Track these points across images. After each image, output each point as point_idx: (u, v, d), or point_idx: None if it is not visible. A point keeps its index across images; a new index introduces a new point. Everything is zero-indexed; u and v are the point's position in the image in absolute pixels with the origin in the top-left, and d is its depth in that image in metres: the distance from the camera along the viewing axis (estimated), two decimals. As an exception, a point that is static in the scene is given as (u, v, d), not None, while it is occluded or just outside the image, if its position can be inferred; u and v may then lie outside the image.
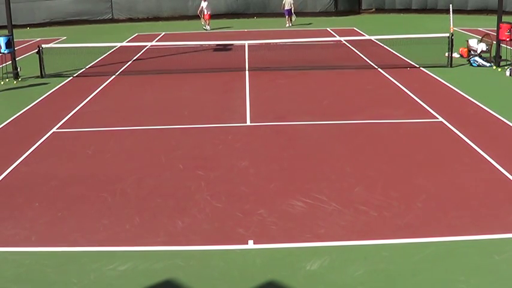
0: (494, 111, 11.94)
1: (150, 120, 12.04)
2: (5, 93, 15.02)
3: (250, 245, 6.75)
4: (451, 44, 16.79)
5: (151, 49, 21.11)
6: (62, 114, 12.50)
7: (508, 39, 16.13)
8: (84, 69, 17.76)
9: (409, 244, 6.70)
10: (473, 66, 16.94)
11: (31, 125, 11.83)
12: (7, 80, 16.24)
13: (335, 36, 23.54)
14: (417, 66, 16.99)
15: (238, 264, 6.37)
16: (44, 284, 6.06)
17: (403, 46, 18.84)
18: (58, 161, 9.72)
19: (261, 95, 13.92)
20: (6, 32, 16.54)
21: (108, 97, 14.28)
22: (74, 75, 16.98)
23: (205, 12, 27.78)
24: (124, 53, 20.07)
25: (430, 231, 6.96)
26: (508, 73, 15.56)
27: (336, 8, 32.73)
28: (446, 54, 17.01)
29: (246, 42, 19.94)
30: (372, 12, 33.33)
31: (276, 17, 31.21)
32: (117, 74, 16.99)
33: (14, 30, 16.78)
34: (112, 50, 20.86)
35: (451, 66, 16.76)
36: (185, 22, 30.90)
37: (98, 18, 31.53)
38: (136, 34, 26.35)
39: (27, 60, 18.82)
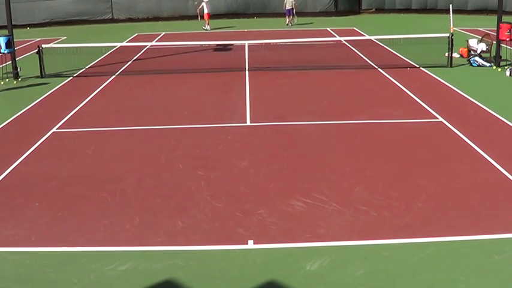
0: (494, 111, 11.94)
1: (150, 120, 12.04)
2: (5, 93, 15.02)
3: (250, 245, 6.75)
4: (451, 44, 16.80)
5: (151, 49, 21.11)
6: (62, 114, 12.50)
7: (508, 39, 16.13)
8: (84, 69, 17.76)
9: (409, 244, 6.70)
10: (473, 66, 16.94)
11: (31, 125, 11.83)
12: (7, 80, 16.24)
13: (335, 36, 23.54)
14: (417, 66, 16.99)
15: (238, 264, 6.37)
16: (44, 284, 6.06)
17: (403, 46, 18.84)
18: (58, 161, 9.72)
19: (261, 95, 13.92)
20: (6, 32, 16.54)
21: (108, 97, 14.28)
22: (74, 75, 16.98)
23: (205, 11, 27.73)
24: (124, 53, 20.08)
25: (430, 231, 6.96)
26: (508, 73, 15.56)
27: (336, 8, 32.73)
28: (446, 54, 17.01)
29: (246, 42, 19.94)
30: (372, 12, 33.33)
31: (276, 17, 31.22)
32: (117, 74, 16.99)
33: (14, 30, 16.78)
34: (112, 50, 20.86)
35: (451, 66, 16.76)
36: (185, 22, 30.90)
37: (98, 18, 31.53)
38: (136, 34, 26.35)
39: (27, 60, 18.82)
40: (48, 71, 16.82)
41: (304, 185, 8.43)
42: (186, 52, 19.45)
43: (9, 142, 10.78)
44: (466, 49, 18.06)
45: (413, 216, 7.37)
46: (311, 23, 29.38)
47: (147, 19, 31.85)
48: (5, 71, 16.42)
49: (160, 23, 31.20)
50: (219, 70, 17.00)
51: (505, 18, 17.11)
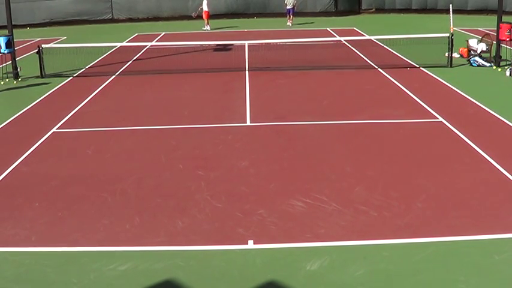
0: (494, 111, 11.94)
1: (150, 120, 12.04)
2: (5, 93, 15.02)
3: (250, 245, 6.75)
4: (451, 44, 16.80)
5: (151, 49, 21.11)
6: (62, 114, 12.50)
7: (508, 39, 16.13)
8: (84, 69, 17.76)
9: (409, 244, 6.70)
10: (473, 66, 16.94)
11: (31, 125, 11.83)
12: (7, 80, 16.24)
13: (335, 36, 23.54)
14: (417, 66, 16.99)
15: (238, 264, 6.37)
16: (44, 284, 6.06)
17: (403, 46, 18.84)
18: (58, 161, 9.72)
19: (261, 95, 13.92)
20: (6, 32, 16.55)
21: (108, 97, 14.28)
22: (74, 75, 16.98)
23: (204, 9, 27.63)
24: (124, 53, 20.08)
25: (430, 231, 6.96)
26: (508, 73, 15.56)
27: (336, 8, 32.73)
28: (446, 54, 17.01)
29: (246, 42, 19.94)
30: (372, 12, 33.33)
31: (276, 17, 31.23)
32: (117, 74, 16.99)
33: (14, 30, 16.79)
34: (112, 50, 20.86)
35: (451, 66, 16.76)
36: (185, 22, 30.90)
37: (98, 18, 31.53)
38: (136, 34, 26.35)
39: (27, 60, 18.82)
40: (48, 71, 16.82)
41: (304, 185, 8.43)
42: (186, 52, 19.45)
43: (9, 142, 10.78)
44: (466, 49, 18.06)
45: (413, 216, 7.37)
46: (311, 23, 29.38)
47: (147, 19, 31.85)
48: (5, 71, 16.42)
49: (160, 23, 31.20)
50: (219, 70, 17.00)
51: (505, 18, 17.11)
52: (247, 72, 16.67)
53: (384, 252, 6.52)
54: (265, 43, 19.92)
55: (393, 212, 7.51)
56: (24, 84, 15.90)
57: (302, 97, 13.67)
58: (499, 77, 15.59)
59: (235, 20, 31.38)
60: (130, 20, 31.78)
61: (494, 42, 16.92)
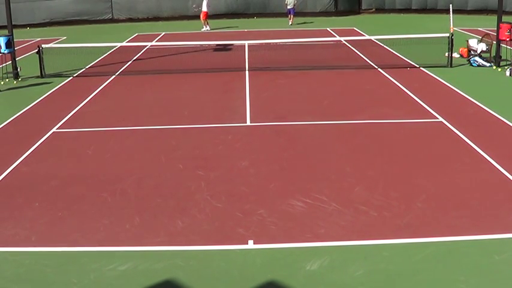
0: (494, 111, 11.94)
1: (150, 120, 12.04)
2: (5, 93, 15.02)
3: (250, 245, 6.75)
4: (451, 44, 16.80)
5: (151, 49, 21.11)
6: (62, 114, 12.50)
7: (508, 39, 16.13)
8: (84, 69, 17.76)
9: (409, 244, 6.70)
10: (473, 66, 16.94)
11: (31, 125, 11.83)
12: (7, 80, 16.24)
13: (335, 36, 23.54)
14: (417, 66, 16.99)
15: (238, 264, 6.37)
16: (44, 284, 6.06)
17: (403, 46, 18.84)
18: (58, 161, 9.72)
19: (261, 95, 13.92)
20: (6, 32, 16.55)
21: (108, 97, 14.28)
22: (74, 75, 16.98)
23: (203, 9, 27.57)
24: (124, 53, 20.08)
25: (430, 231, 6.96)
26: (508, 73, 15.56)
27: (336, 8, 32.74)
28: (446, 54, 17.01)
29: (246, 42, 19.94)
30: (372, 12, 33.34)
31: (276, 17, 31.24)
32: (117, 74, 16.99)
33: (14, 30, 16.79)
34: (112, 50, 20.86)
35: (451, 66, 16.76)
36: (185, 22, 30.90)
37: (98, 18, 31.54)
38: (136, 34, 26.35)
39: (27, 60, 18.82)
40: (48, 71, 16.82)
41: (304, 185, 8.43)
42: (186, 52, 19.45)
43: (9, 142, 10.78)
44: (466, 49, 18.06)
45: (413, 216, 7.37)
46: (311, 23, 29.39)
47: (147, 19, 31.85)
48: (5, 71, 16.42)
49: (160, 23, 31.20)
50: (219, 70, 17.00)
51: (505, 18, 17.12)
52: (247, 72, 16.67)
53: (384, 252, 6.52)
54: (265, 43, 19.92)
55: (393, 212, 7.51)
56: (24, 84, 15.90)
57: (302, 97, 13.67)
58: (499, 77, 15.59)
59: (235, 20, 31.38)
60: (131, 20, 31.78)
61: (494, 42, 16.92)
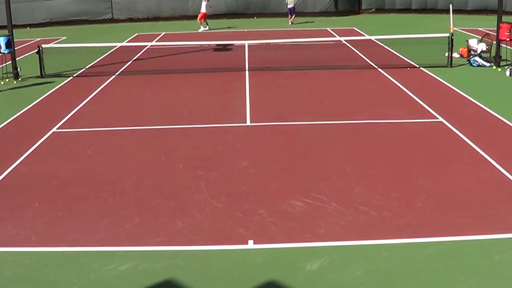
0: (494, 111, 11.94)
1: (150, 120, 12.04)
2: (5, 93, 15.02)
3: (250, 245, 6.75)
4: (451, 44, 16.79)
5: (151, 49, 21.11)
6: (62, 114, 12.50)
7: (508, 39, 16.13)
8: (84, 69, 17.76)
9: (409, 244, 6.70)
10: (473, 66, 16.94)
11: (31, 125, 11.83)
12: (7, 80, 16.24)
13: (335, 36, 23.54)
14: (417, 66, 16.99)
15: (238, 264, 6.37)
16: (44, 284, 6.06)
17: (403, 46, 18.84)
18: (58, 161, 9.72)
19: (261, 95, 13.92)
20: (6, 32, 16.54)
21: (108, 97, 14.28)
22: (74, 75, 16.98)
23: (202, 10, 27.51)
24: (124, 53, 20.07)
25: (430, 231, 6.96)
26: (508, 73, 15.56)
27: (336, 8, 32.73)
28: (446, 54, 17.01)
29: (246, 42, 19.93)
30: (372, 12, 33.33)
31: (276, 17, 31.23)
32: (117, 74, 16.99)
33: (14, 30, 16.78)
34: (112, 50, 20.85)
35: (451, 66, 16.76)
36: (185, 22, 30.89)
37: (98, 18, 31.52)
38: (136, 34, 26.35)
39: (27, 60, 18.82)
40: (48, 71, 16.82)
41: (304, 185, 8.43)
42: (186, 52, 19.45)
43: (9, 142, 10.78)
44: (466, 49, 18.06)
45: (413, 216, 7.37)
46: (311, 23, 29.39)
47: (147, 19, 31.84)
48: (5, 71, 16.42)
49: (160, 23, 31.19)
50: (219, 70, 17.00)
51: (505, 18, 17.11)
52: (247, 72, 16.67)
53: (384, 252, 6.52)
54: (265, 43, 19.92)
55: (393, 212, 7.51)
56: (24, 84, 15.90)
57: (302, 97, 13.67)
58: (499, 77, 15.59)
59: (235, 20, 31.37)
60: (131, 20, 31.77)
61: (494, 42, 16.92)
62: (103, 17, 31.65)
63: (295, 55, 18.57)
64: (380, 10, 33.24)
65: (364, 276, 6.05)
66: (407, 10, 32.75)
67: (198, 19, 27.71)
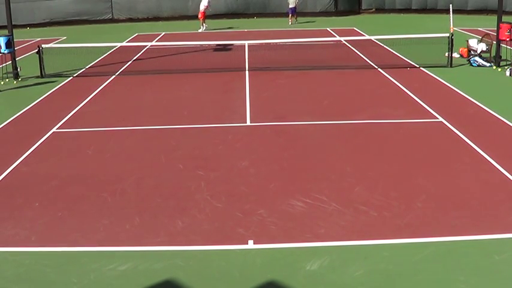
0: (494, 111, 11.94)
1: (150, 120, 12.04)
2: (5, 93, 15.02)
3: (250, 245, 6.75)
4: (451, 44, 16.79)
5: (151, 49, 21.11)
6: (62, 114, 12.50)
7: (508, 39, 16.13)
8: (84, 69, 17.76)
9: (409, 244, 6.70)
10: (473, 66, 16.94)
11: (31, 125, 11.83)
12: (7, 80, 16.24)
13: (335, 36, 23.54)
14: (417, 66, 16.99)
15: (238, 264, 6.37)
16: (44, 284, 6.06)
17: (403, 46, 18.84)
18: (58, 161, 9.72)
19: (261, 95, 13.92)
20: (6, 32, 16.54)
21: (108, 97, 14.28)
22: (74, 75, 16.98)
23: (200, 9, 27.47)
24: (124, 53, 20.07)
25: (430, 231, 6.96)
26: (508, 73, 15.56)
27: (336, 8, 32.74)
28: (446, 54, 17.01)
29: (246, 42, 19.93)
30: (372, 12, 33.33)
31: (276, 17, 31.24)
32: (117, 74, 16.99)
33: (14, 30, 16.78)
34: (112, 50, 20.86)
35: (451, 66, 16.76)
36: (185, 22, 30.89)
37: (98, 18, 31.53)
38: (136, 34, 26.35)
39: (27, 60, 18.82)
40: (48, 71, 16.82)
41: (304, 185, 8.43)
42: (186, 52, 19.45)
43: (9, 142, 10.78)
44: (466, 49, 18.06)
45: (413, 216, 7.37)
46: (311, 23, 29.39)
47: (147, 19, 31.85)
48: (5, 71, 16.42)
49: (160, 23, 31.19)
50: (219, 70, 17.00)
51: (505, 18, 17.11)
52: (247, 72, 16.67)
53: (384, 252, 6.52)
54: (265, 43, 19.92)
55: (393, 212, 7.51)
56: (24, 84, 15.90)
57: (302, 97, 13.67)
58: (499, 77, 15.59)
59: (235, 20, 31.38)
60: (131, 20, 31.77)
61: (494, 42, 16.92)
62: (103, 17, 31.65)
63: (295, 55, 18.57)
64: (380, 10, 33.25)
65: (364, 276, 6.05)
66: (407, 10, 32.75)
67: (200, 18, 27.66)
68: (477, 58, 17.04)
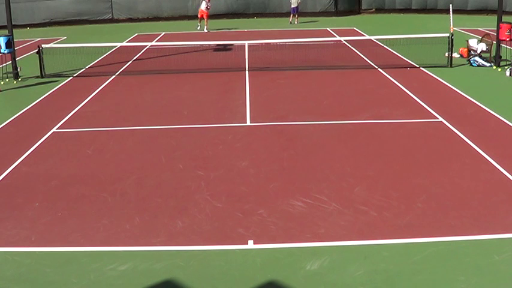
0: (494, 111, 11.94)
1: (150, 120, 12.04)
2: (5, 93, 15.02)
3: (250, 245, 6.75)
4: (451, 44, 16.80)
5: (151, 49, 21.11)
6: (62, 114, 12.50)
7: (508, 39, 16.13)
8: (84, 69, 17.76)
9: (409, 244, 6.70)
10: (473, 66, 16.94)
11: (31, 125, 11.83)
12: (7, 80, 16.24)
13: (335, 36, 23.54)
14: (417, 66, 17.00)
15: (238, 264, 6.37)
16: (44, 284, 6.06)
17: (403, 46, 18.84)
18: (58, 161, 9.72)
19: (261, 95, 13.92)
20: (6, 32, 16.54)
21: (108, 97, 14.28)
22: (74, 75, 16.98)
23: (200, 8, 27.39)
24: (124, 53, 20.07)
25: (430, 231, 6.96)
26: (508, 73, 15.56)
27: (336, 8, 32.74)
28: (446, 54, 17.01)
29: (246, 42, 19.92)
30: (372, 12, 33.34)
31: (276, 17, 31.24)
32: (117, 74, 16.99)
33: (14, 30, 16.78)
34: (112, 50, 20.86)
35: (451, 66, 16.76)
36: (185, 22, 30.89)
37: (98, 18, 31.54)
38: (136, 34, 26.35)
39: (27, 60, 18.83)
40: (48, 71, 16.82)
41: (304, 185, 8.43)
42: (186, 52, 19.45)
43: (9, 142, 10.78)
44: (466, 49, 18.06)
45: (413, 216, 7.37)
46: (311, 23, 29.39)
47: (147, 19, 31.86)
48: (5, 71, 16.42)
49: (160, 23, 31.20)
50: (219, 70, 17.00)
51: (505, 18, 17.12)
52: (247, 72, 16.67)
53: (384, 252, 6.52)
54: (265, 43, 19.92)
55: (393, 212, 7.51)
56: (24, 84, 15.90)
57: (302, 97, 13.67)
58: (499, 77, 15.59)
59: (235, 20, 31.39)
60: (131, 20, 31.78)
61: (494, 42, 16.92)
62: (103, 17, 31.66)
63: (295, 55, 18.56)
64: (380, 10, 33.26)
65: (364, 276, 6.05)
66: (407, 10, 32.76)
67: (204, 18, 27.56)
68: (477, 58, 17.04)
